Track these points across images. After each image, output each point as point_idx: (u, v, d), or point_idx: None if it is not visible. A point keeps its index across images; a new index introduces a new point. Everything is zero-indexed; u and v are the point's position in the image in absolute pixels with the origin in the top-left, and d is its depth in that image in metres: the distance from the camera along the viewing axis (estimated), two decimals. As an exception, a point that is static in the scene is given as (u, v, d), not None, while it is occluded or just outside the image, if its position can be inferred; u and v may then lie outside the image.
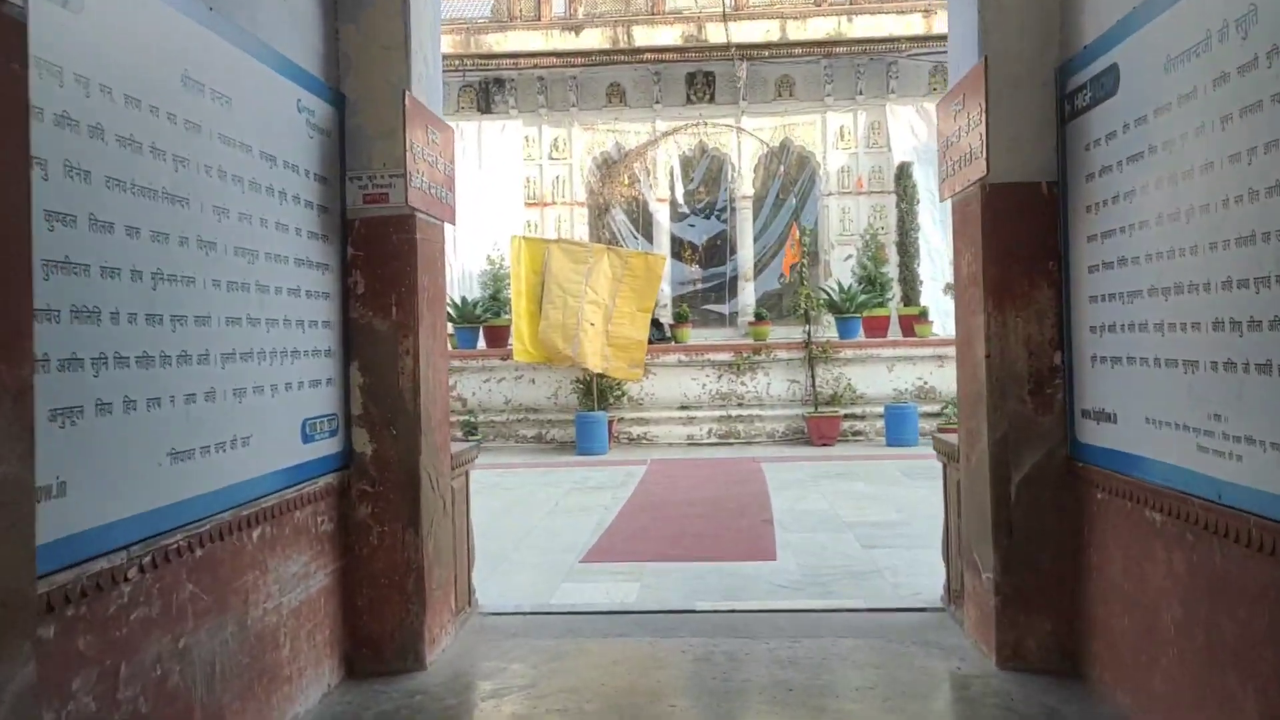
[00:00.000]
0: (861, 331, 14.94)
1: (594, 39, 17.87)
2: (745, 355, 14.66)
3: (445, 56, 18.36)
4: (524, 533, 7.81)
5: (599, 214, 14.49)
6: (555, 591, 5.87)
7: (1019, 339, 4.21)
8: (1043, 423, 4.18)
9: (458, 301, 15.30)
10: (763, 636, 4.69)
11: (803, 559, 6.54)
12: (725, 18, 17.15)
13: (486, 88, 18.61)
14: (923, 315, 14.87)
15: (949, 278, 17.27)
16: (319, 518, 4.01)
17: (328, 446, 4.12)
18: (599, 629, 4.91)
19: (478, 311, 15.23)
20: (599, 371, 13.75)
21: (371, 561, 4.34)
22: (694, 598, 5.60)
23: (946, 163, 4.78)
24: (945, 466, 5.20)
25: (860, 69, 17.93)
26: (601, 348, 13.64)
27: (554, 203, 18.45)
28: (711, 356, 14.76)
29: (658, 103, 17.98)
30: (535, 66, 17.86)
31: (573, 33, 18.12)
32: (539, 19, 18.36)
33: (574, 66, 17.90)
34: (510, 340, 14.31)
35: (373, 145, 4.40)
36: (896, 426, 13.69)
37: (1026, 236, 4.20)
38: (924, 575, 5.96)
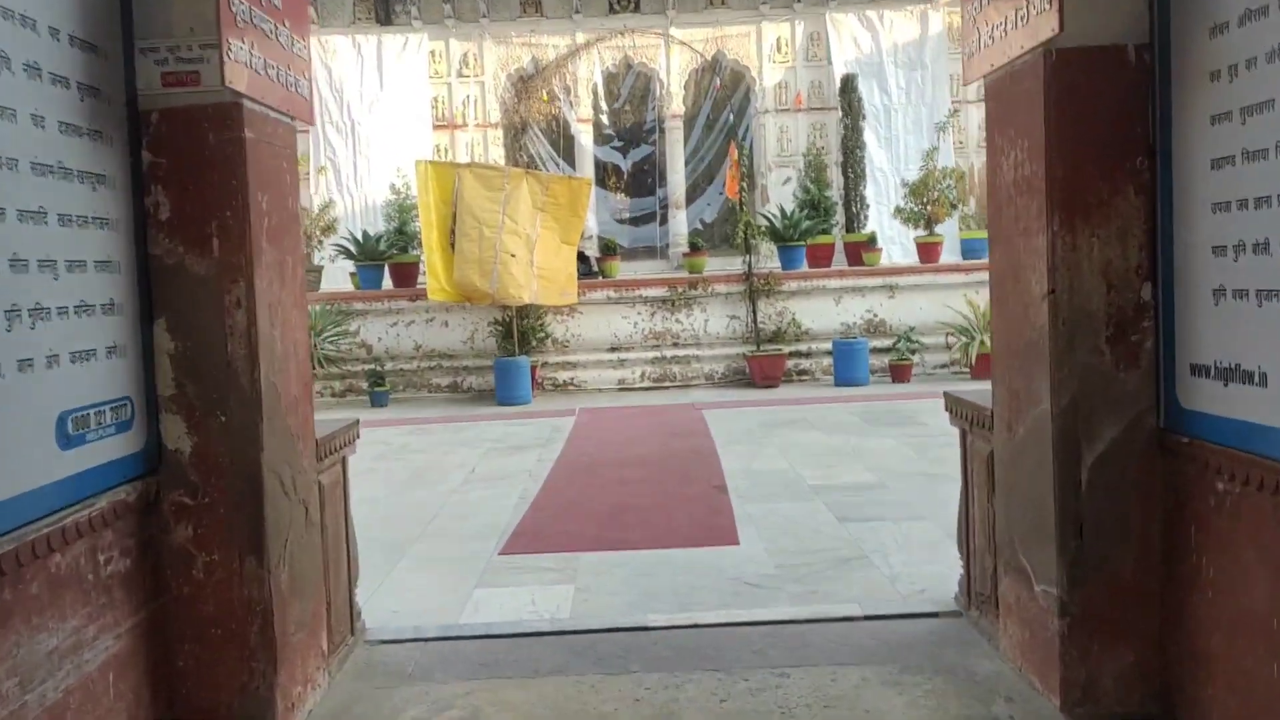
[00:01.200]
0: (805, 262, 13.86)
1: (504, -60, 16.18)
2: (680, 290, 13.49)
3: (336, -41, 16.51)
4: (431, 512, 6.59)
5: (515, 135, 13.09)
6: (467, 602, 4.67)
7: (1095, 267, 3.08)
8: (1126, 381, 3.09)
9: (358, 236, 13.77)
10: (740, 667, 3.58)
11: (771, 540, 5.45)
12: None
13: (385, -5, 16.81)
14: (870, 242, 13.84)
15: (897, 200, 16.32)
16: (101, 556, 2.73)
17: (113, 448, 2.83)
18: (524, 662, 3.75)
19: (382, 247, 13.74)
20: (527, 302, 12.43)
21: (195, 604, 3.09)
22: (643, 605, 4.47)
23: (977, 30, 3.58)
24: (966, 435, 4.11)
25: (798, -27, 16.59)
26: (527, 279, 12.31)
27: (465, 125, 16.86)
28: (643, 292, 13.55)
29: (578, 12, 16.41)
30: (440, -30, 16.12)
31: (480, -67, 16.38)
32: (441, -83, 16.55)
33: (482, -29, 16.21)
34: (422, 277, 12.90)
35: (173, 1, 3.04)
36: (846, 364, 12.72)
37: (1109, 122, 3.05)
38: (923, 560, 4.92)
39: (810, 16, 16.85)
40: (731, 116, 13.52)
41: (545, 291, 12.37)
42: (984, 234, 15.44)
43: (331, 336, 12.81)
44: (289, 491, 3.32)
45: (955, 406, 4.15)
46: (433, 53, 16.85)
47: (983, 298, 12.88)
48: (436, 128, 16.83)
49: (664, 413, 11.02)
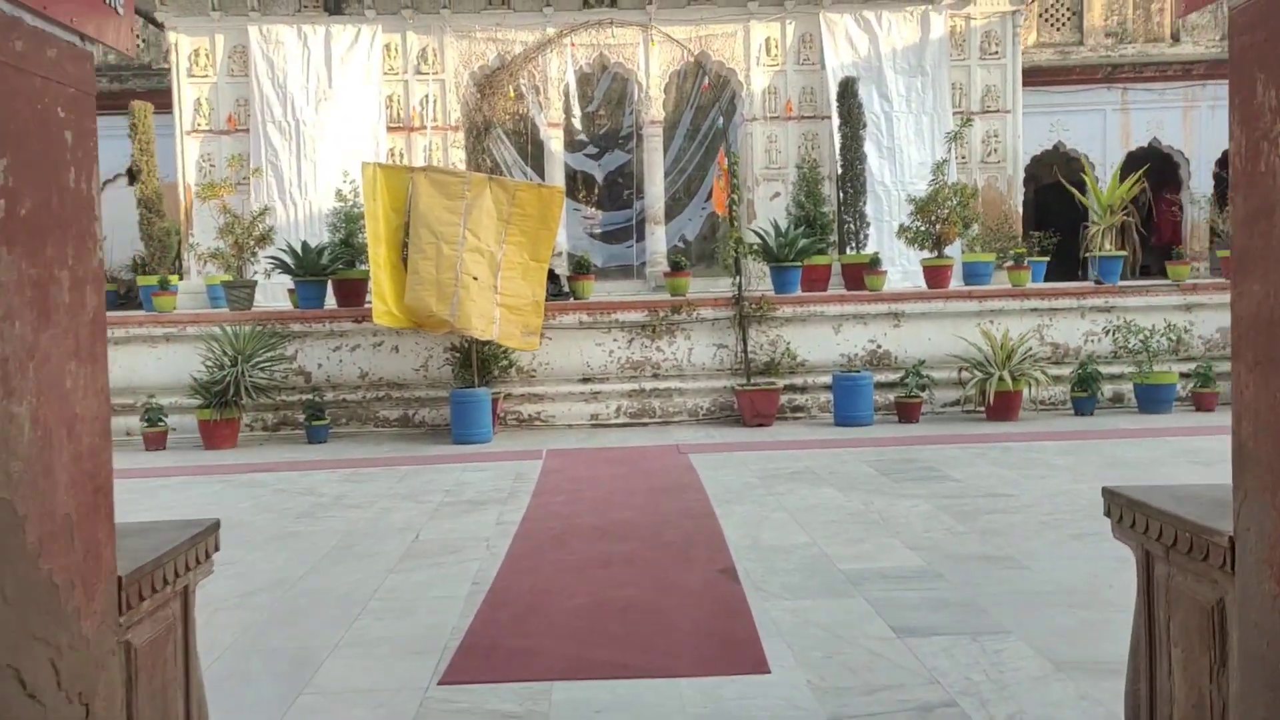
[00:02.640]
0: (800, 285, 12.55)
1: (468, -76, 14.85)
2: (662, 314, 12.11)
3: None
4: (357, 605, 5.12)
5: (478, 137, 11.70)
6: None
7: None
8: None
9: (297, 249, 12.27)
10: None
11: (813, 666, 4.06)
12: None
13: (335, -18, 15.37)
14: (874, 264, 12.55)
15: (899, 217, 15.11)
16: None
17: None
18: None
19: (324, 261, 12.25)
20: (486, 339, 11.01)
21: None
22: (649, 794, 3.05)
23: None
24: (1153, 562, 2.71)
25: (790, -31, 15.38)
26: (489, 309, 10.89)
27: (423, 127, 15.45)
28: (620, 316, 12.16)
29: (548, 5, 15.07)
30: (397, -45, 14.73)
31: (442, -84, 15.03)
32: (400, -103, 15.20)
33: (444, -43, 14.84)
34: (370, 296, 11.41)
35: None
36: (847, 401, 11.40)
37: None
38: (1040, 713, 3.54)
39: (802, 16, 15.67)
40: (720, 120, 12.23)
41: (507, 326, 10.92)
42: (989, 257, 14.40)
43: (263, 362, 11.30)
44: (40, 690, 1.87)
45: (1131, 513, 2.76)
46: (388, 47, 15.48)
47: (999, 328, 11.65)
48: (391, 129, 15.44)
49: (645, 457, 9.62)
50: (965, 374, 11.60)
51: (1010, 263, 13.25)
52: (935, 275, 12.44)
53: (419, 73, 15.56)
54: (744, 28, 15.61)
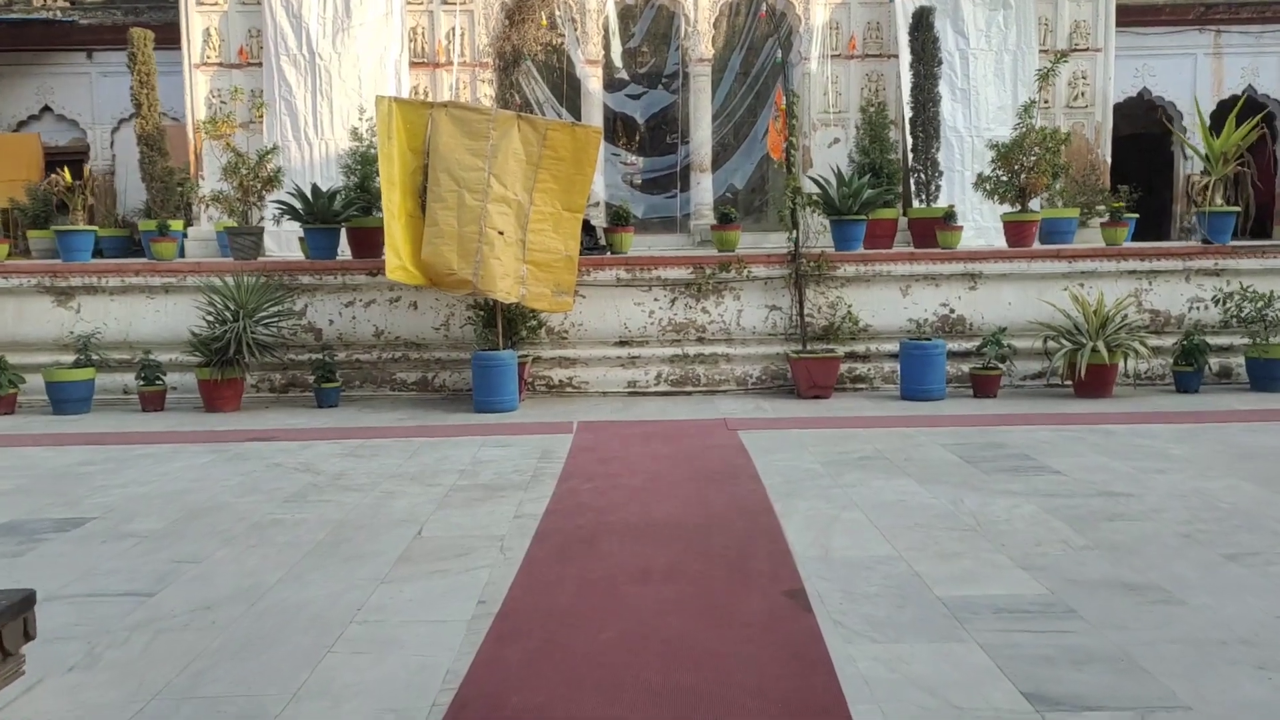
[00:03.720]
0: (863, 241, 11.37)
1: None
2: (709, 271, 11.01)
3: None
4: (330, 634, 4.15)
5: (505, 69, 10.60)
6: None
7: None
8: None
9: (306, 192, 11.28)
10: None
11: (924, 754, 3.02)
12: None
13: (356, -97, 14.22)
14: (948, 218, 11.34)
15: (977, 167, 13.82)
16: None
17: None
18: None
19: (336, 207, 11.25)
20: (514, 301, 10.00)
21: None
22: None
23: None
24: None
25: (858, -114, 14.01)
26: (515, 267, 9.88)
27: (449, 63, 14.34)
28: (661, 273, 11.07)
29: (587, -72, 13.86)
30: None
31: None
32: None
33: None
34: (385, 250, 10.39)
35: None
36: (916, 372, 10.27)
37: None
38: None
39: (869, -58, 14.29)
40: (780, 54, 10.99)
41: (536, 285, 9.91)
42: (1073, 213, 13.09)
43: (267, 318, 10.38)
44: None
45: None
46: (412, -27, 14.32)
47: (1090, 293, 10.44)
48: (414, 65, 14.38)
49: (689, 433, 8.59)
50: (1052, 343, 10.40)
51: (1103, 219, 11.98)
52: (1018, 232, 11.20)
53: (446, 2, 14.43)
54: (804, -46, 14.30)
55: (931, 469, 6.95)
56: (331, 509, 6.18)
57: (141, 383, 10.34)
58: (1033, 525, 5.47)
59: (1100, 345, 9.89)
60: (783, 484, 6.59)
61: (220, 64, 14.58)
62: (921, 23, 12.14)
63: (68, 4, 17.10)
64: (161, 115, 14.30)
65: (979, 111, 13.82)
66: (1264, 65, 18.51)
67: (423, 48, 14.50)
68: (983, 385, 10.34)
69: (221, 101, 14.45)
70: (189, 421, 9.68)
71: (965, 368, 10.61)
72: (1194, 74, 18.72)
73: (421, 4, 14.44)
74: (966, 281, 10.95)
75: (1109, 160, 14.55)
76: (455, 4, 14.32)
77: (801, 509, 5.94)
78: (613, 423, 9.21)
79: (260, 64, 14.25)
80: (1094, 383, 10.01)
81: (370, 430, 8.99)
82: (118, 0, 18.73)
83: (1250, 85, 18.06)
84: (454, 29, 14.38)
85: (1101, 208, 14.01)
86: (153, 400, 10.36)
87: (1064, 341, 10.23)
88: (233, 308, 10.17)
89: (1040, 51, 13.93)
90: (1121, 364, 10.18)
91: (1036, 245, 11.28)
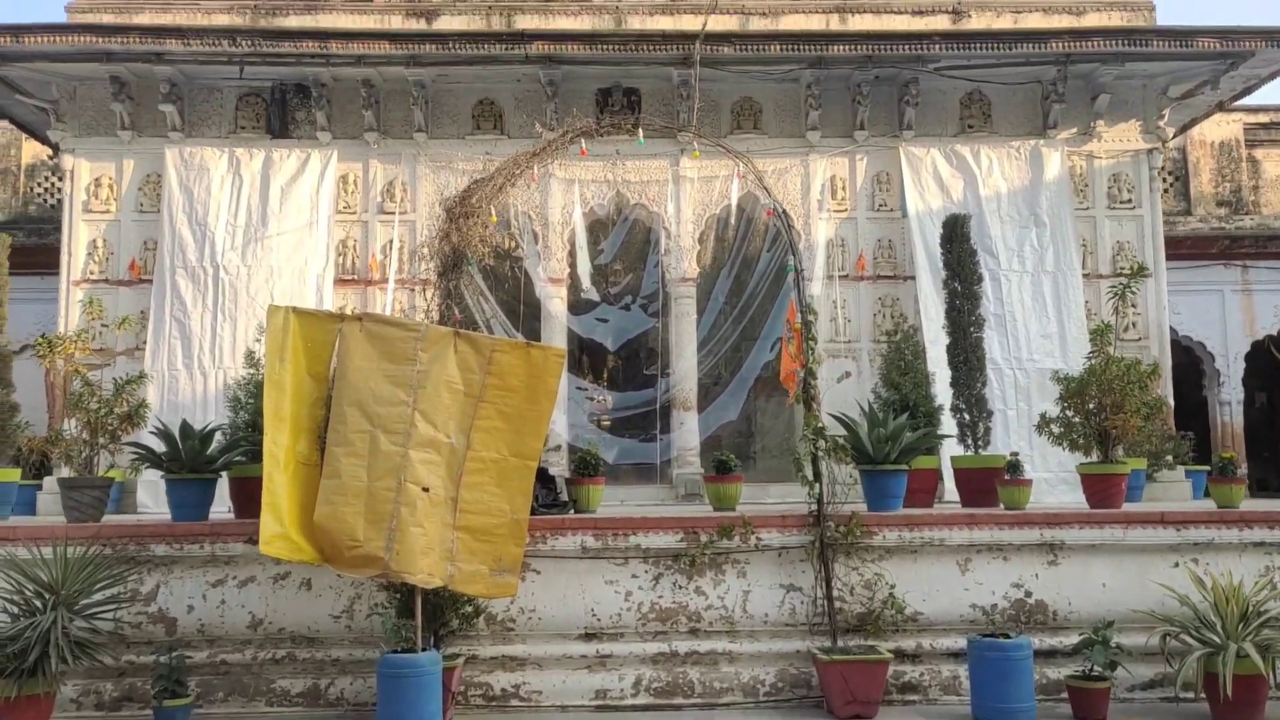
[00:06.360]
0: (902, 498, 9.03)
1: (455, 28, 12.24)
2: (706, 537, 8.50)
3: (212, 34, 12.22)
4: None
5: (445, 275, 8.57)
6: None
7: None
8: None
9: (174, 432, 8.80)
10: None
11: None
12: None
13: (282, 97, 12.61)
14: (1013, 469, 9.07)
15: (1024, 404, 11.74)
16: None
17: None
18: None
19: (212, 451, 8.77)
20: (438, 585, 7.40)
21: None
22: None
23: None
24: None
25: (861, 90, 12.61)
26: (443, 535, 7.36)
27: (384, 280, 12.33)
28: (642, 539, 8.54)
29: (552, 128, 12.22)
30: (361, 62, 11.94)
31: (421, 19, 12.45)
32: (370, -3, 12.69)
33: (423, 66, 12.08)
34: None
35: None
36: (992, 682, 7.69)
37: None
38: None
39: (876, 151, 12.91)
40: (791, 260, 9.06)
41: (470, 562, 7.40)
42: (1139, 463, 10.87)
43: (96, 607, 7.63)
44: None
45: None
46: (344, 179, 12.64)
47: (1208, 570, 8.08)
48: (341, 281, 12.42)
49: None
50: (1174, 642, 7.88)
51: (1171, 468, 9.88)
52: (1103, 488, 8.93)
53: (384, 212, 12.61)
54: (802, 163, 12.77)
55: None
56: None
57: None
58: None
59: (1249, 648, 7.38)
60: None
61: (105, 280, 12.48)
62: (954, 233, 10.34)
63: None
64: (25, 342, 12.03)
65: (1019, 340, 11.96)
66: (1302, 302, 17.45)
67: (353, 262, 12.56)
68: (1085, 702, 7.73)
69: (104, 325, 12.21)
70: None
71: (1055, 673, 8.06)
72: (1223, 311, 17.62)
73: (354, 212, 12.60)
74: (1044, 554, 8.54)
75: (1171, 402, 12.58)
76: (394, 212, 12.49)
77: None
78: (576, 771, 6.43)
79: (151, 280, 12.17)
80: (1243, 700, 7.43)
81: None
82: (21, 220, 16.97)
83: (1287, 323, 16.86)
84: (391, 241, 12.48)
85: (1170, 457, 11.95)
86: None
87: (1190, 640, 7.73)
88: (45, 594, 7.45)
89: (1084, 275, 12.30)
90: (1270, 673, 7.64)
91: (1128, 506, 8.99)
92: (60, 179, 14.36)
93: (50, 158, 15.54)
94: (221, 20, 12.45)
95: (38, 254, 14.16)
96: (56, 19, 12.14)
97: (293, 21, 12.46)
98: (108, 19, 12.48)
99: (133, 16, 12.55)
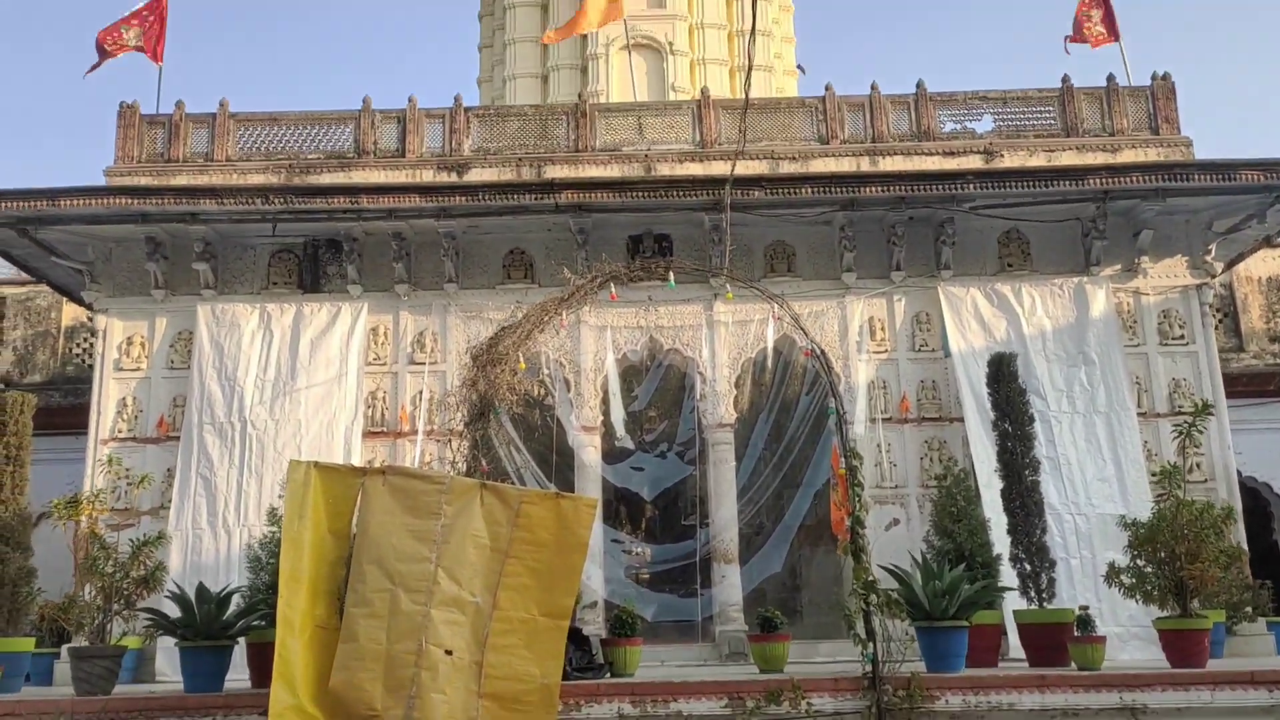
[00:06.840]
0: (965, 657, 8.37)
1: (486, 179, 12.35)
2: (753, 703, 7.87)
3: (246, 192, 12.38)
4: None
5: (472, 424, 8.24)
6: None
7: None
8: None
9: (190, 596, 8.41)
10: None
11: None
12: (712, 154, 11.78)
13: (314, 252, 12.67)
14: (1084, 625, 8.40)
15: (1085, 551, 11.09)
16: None
17: None
18: None
19: (228, 616, 8.35)
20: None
21: None
22: None
23: None
24: None
25: (896, 231, 12.46)
26: (466, 703, 6.86)
27: (411, 432, 12.08)
28: (684, 705, 7.93)
29: (582, 277, 12.13)
30: (393, 215, 12.01)
31: (453, 173, 12.57)
32: (402, 154, 12.85)
33: (453, 217, 12.12)
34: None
35: None
36: None
37: None
38: None
39: (915, 291, 12.67)
40: (834, 407, 8.69)
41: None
42: (1218, 616, 10.11)
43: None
44: None
45: None
46: (374, 330, 12.56)
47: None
48: (370, 434, 12.17)
49: None
50: (1281, 820, 7.08)
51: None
52: (1184, 645, 8.21)
53: (414, 362, 12.45)
54: (839, 305, 12.54)
55: None
56: None
57: None
58: None
59: (1369, 828, 6.58)
60: None
61: (133, 437, 12.31)
62: (1001, 373, 9.95)
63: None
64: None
65: (1074, 484, 11.38)
66: (1365, 440, 16.71)
67: (383, 414, 12.34)
68: None
69: (129, 484, 11.96)
70: None
71: None
72: (1283, 451, 16.81)
73: (384, 363, 12.46)
74: (1126, 718, 7.79)
75: (1246, 548, 11.84)
76: (424, 363, 12.33)
77: None
78: None
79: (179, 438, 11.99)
80: None
81: None
82: (58, 380, 17.10)
83: (1355, 463, 16.06)
84: (421, 392, 12.28)
85: (1249, 609, 11.18)
86: None
87: (1300, 817, 6.92)
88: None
89: (1139, 414, 11.81)
90: None
91: (1212, 664, 8.27)
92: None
93: (88, 319, 15.69)
94: (256, 180, 12.66)
95: (72, 414, 14.23)
96: (93, 182, 12.32)
97: (325, 179, 12.64)
98: (145, 181, 12.72)
99: (170, 179, 12.80)
